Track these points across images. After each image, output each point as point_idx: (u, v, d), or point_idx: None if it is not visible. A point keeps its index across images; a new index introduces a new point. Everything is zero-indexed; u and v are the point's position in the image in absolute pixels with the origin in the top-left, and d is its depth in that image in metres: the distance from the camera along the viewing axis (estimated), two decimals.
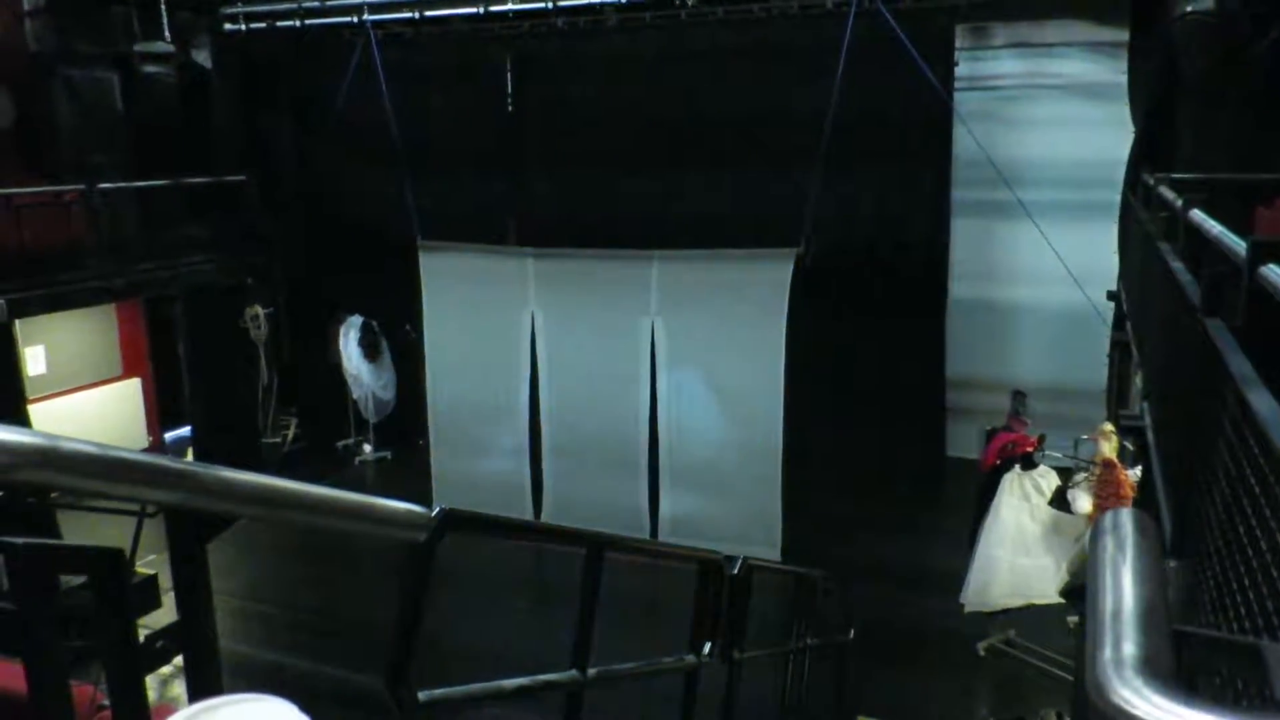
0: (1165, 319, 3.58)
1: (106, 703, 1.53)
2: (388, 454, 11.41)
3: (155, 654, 3.79)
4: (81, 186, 8.57)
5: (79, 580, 1.41)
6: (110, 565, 1.40)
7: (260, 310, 11.14)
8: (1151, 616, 0.80)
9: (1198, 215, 3.39)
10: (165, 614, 5.98)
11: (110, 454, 1.23)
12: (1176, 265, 3.45)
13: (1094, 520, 6.06)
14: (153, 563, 7.14)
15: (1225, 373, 2.04)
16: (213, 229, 10.05)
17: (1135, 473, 6.05)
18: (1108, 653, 0.75)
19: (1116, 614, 0.80)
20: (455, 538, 2.10)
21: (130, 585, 1.44)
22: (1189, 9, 6.31)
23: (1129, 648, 0.75)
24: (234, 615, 7.29)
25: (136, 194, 9.40)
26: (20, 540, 1.33)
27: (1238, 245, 2.42)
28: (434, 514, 2.02)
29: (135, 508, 3.58)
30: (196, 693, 1.63)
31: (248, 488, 1.40)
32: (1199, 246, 3.45)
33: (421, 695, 1.89)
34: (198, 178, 9.85)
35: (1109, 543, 0.93)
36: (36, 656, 1.36)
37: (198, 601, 1.61)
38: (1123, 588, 0.84)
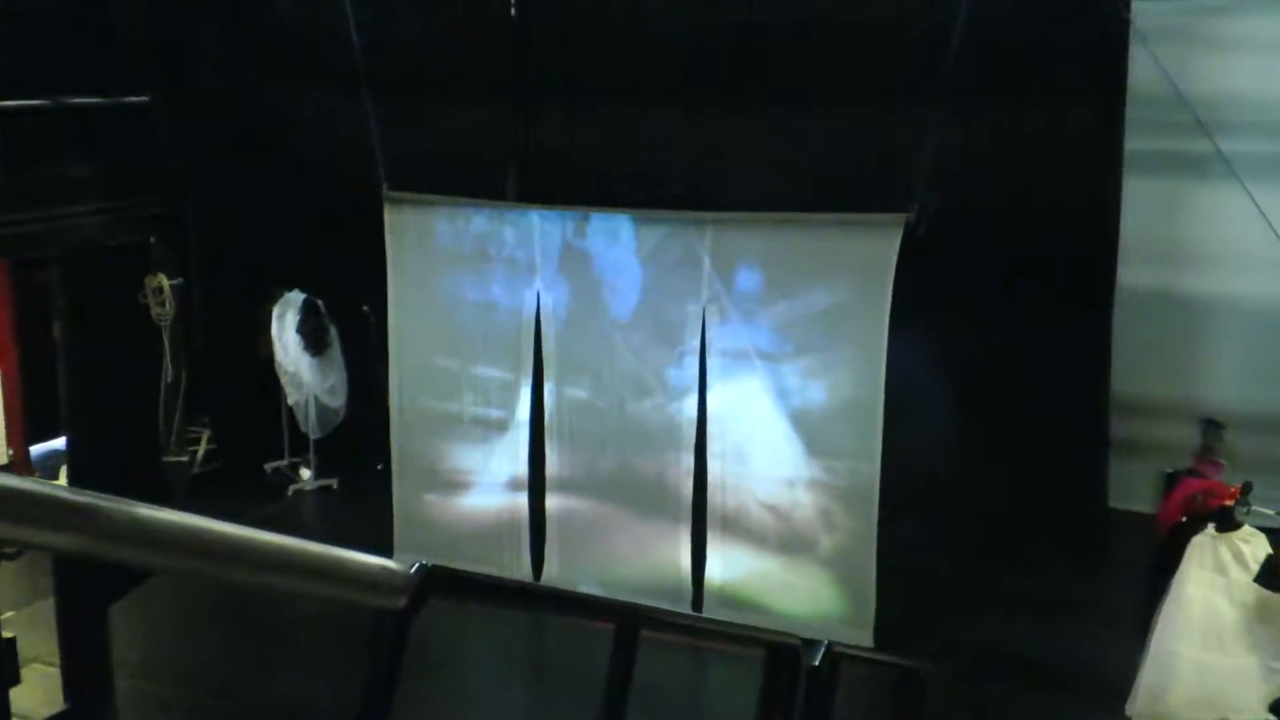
0: None
1: None
2: (333, 482, 11.50)
3: None
4: None
5: None
6: None
7: (166, 281, 11.24)
8: None
9: None
10: (29, 690, 6.06)
11: None
12: None
13: None
14: (10, 622, 7.26)
15: None
16: (105, 168, 10.13)
17: None
18: None
19: None
20: (435, 603, 2.10)
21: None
22: None
23: None
24: (126, 697, 7.36)
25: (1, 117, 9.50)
26: None
27: None
28: (412, 571, 2.03)
29: None
30: None
31: (174, 532, 1.41)
32: None
33: None
34: (87, 98, 9.94)
35: None
36: None
37: (95, 684, 1.64)
38: None
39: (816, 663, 3.69)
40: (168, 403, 11.50)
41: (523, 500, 9.40)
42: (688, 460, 8.79)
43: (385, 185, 9.41)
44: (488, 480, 9.54)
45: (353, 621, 1.90)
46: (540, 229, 9.10)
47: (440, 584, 2.00)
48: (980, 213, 8.99)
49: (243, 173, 11.64)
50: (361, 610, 1.92)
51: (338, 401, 11.50)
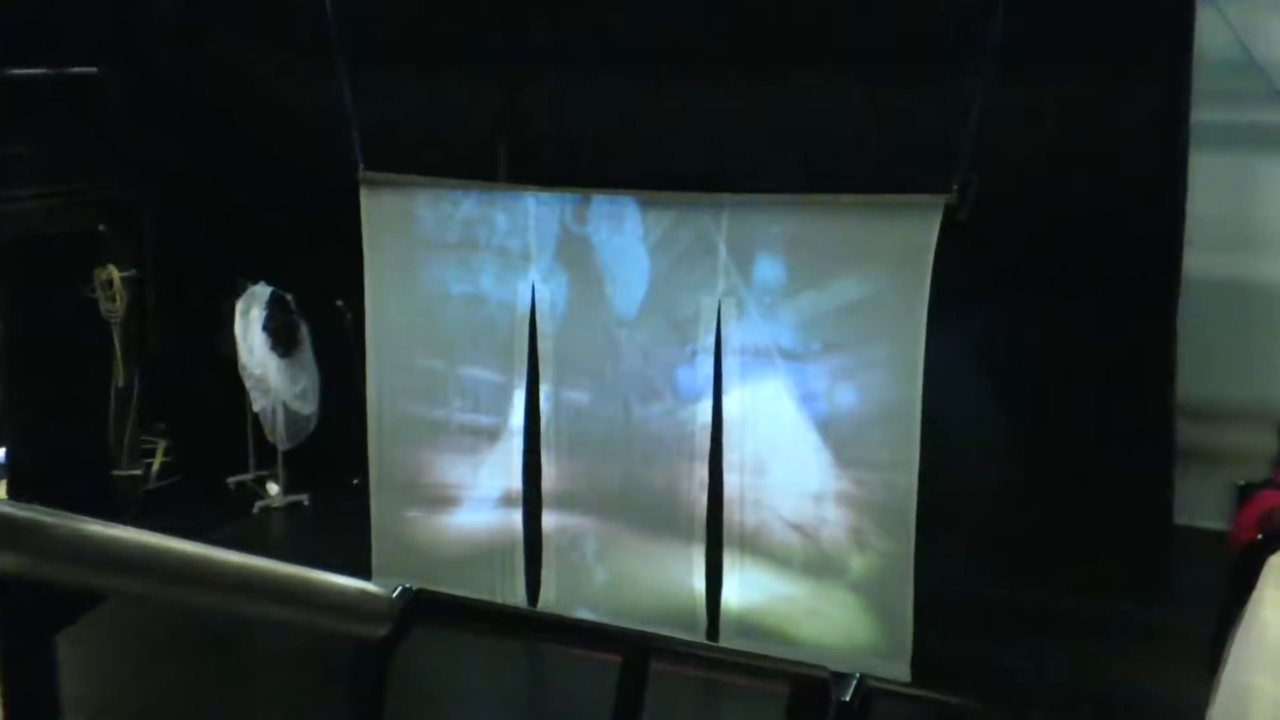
0: None
1: None
2: (304, 498, 11.56)
3: None
4: None
5: None
6: None
7: (117, 273, 11.25)
8: None
9: None
10: None
11: None
12: None
13: None
14: None
15: None
16: (49, 148, 10.15)
17: None
18: None
19: None
20: (420, 632, 2.11)
21: None
22: None
23: None
24: None
25: None
26: None
27: None
28: (395, 596, 2.04)
29: None
30: None
31: (128, 552, 1.41)
32: None
33: None
34: (28, 69, 9.96)
35: None
36: None
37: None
38: None
39: (847, 699, 3.70)
40: (119, 409, 11.52)
41: (517, 517, 9.41)
42: (701, 472, 8.79)
43: (361, 166, 9.41)
44: (477, 495, 9.56)
45: (328, 652, 1.90)
46: (535, 213, 9.10)
47: (426, 610, 2.01)
48: (1029, 194, 8.96)
49: (203, 153, 11.64)
50: (338, 639, 1.92)
51: (309, 408, 11.51)
